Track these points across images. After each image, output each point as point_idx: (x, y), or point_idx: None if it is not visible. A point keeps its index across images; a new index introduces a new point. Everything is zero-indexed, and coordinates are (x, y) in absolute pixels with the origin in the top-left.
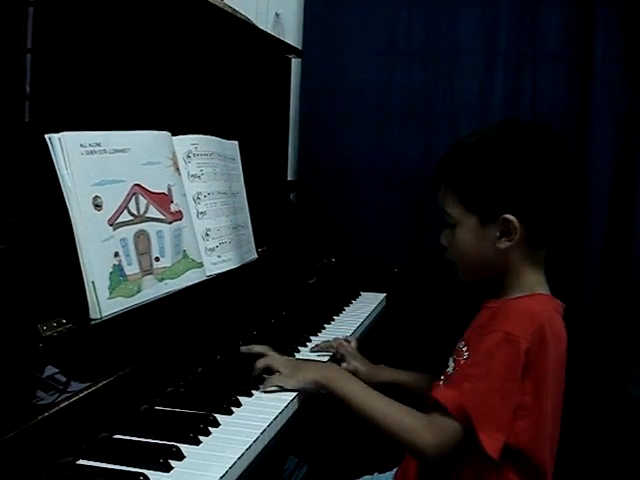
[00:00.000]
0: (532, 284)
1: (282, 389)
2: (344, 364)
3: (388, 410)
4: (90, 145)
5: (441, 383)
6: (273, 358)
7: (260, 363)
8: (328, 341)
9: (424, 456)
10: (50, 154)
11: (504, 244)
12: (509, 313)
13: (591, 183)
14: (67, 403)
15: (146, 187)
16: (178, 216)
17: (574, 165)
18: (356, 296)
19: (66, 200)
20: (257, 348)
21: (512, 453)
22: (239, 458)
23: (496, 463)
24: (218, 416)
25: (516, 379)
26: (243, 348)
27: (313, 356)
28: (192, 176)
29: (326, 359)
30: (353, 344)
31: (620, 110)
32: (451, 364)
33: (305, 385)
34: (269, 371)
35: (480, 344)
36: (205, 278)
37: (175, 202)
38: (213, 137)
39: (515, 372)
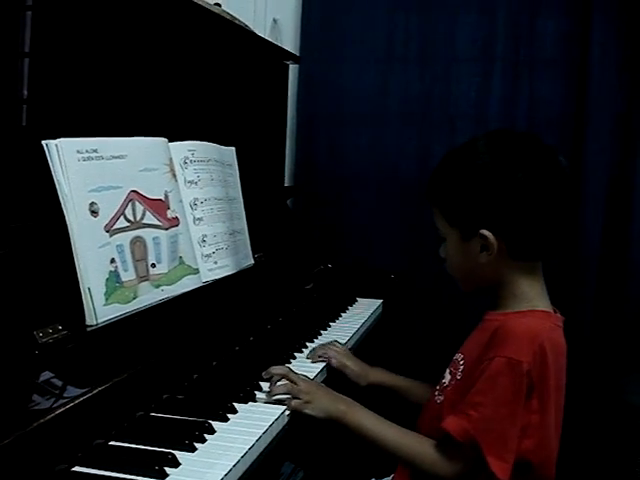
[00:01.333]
0: (530, 297)
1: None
2: (333, 360)
3: (403, 443)
4: (87, 151)
5: (436, 393)
6: (294, 387)
7: (281, 389)
8: (322, 345)
9: None
10: (47, 159)
11: (485, 258)
12: (509, 335)
13: (588, 187)
14: (63, 409)
15: (143, 193)
16: (175, 222)
17: (561, 177)
18: (353, 302)
19: (62, 206)
20: (276, 370)
21: (519, 467)
22: (235, 465)
23: None
24: (214, 423)
25: (522, 401)
26: (263, 373)
27: (310, 363)
28: (189, 182)
29: (322, 365)
30: (343, 346)
31: (617, 115)
32: (447, 375)
33: (319, 414)
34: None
35: (483, 370)
36: (201, 284)
37: (172, 208)
38: (210, 143)
39: (520, 395)
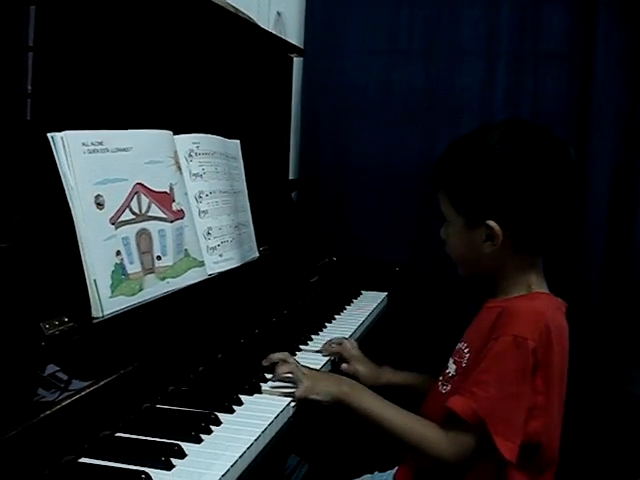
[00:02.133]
0: (530, 283)
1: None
2: (344, 365)
3: (406, 424)
4: (92, 144)
5: (440, 384)
6: (297, 368)
7: (284, 369)
8: (331, 341)
9: (446, 465)
10: (52, 152)
11: (489, 248)
12: (515, 315)
13: (591, 183)
14: (69, 401)
15: (148, 186)
16: (180, 215)
17: (571, 172)
18: (357, 295)
19: (68, 199)
20: (276, 355)
21: (528, 449)
22: (240, 456)
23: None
24: (220, 414)
25: (528, 381)
26: (263, 361)
27: (315, 356)
28: (194, 175)
29: (325, 360)
30: (354, 345)
31: (621, 109)
32: (451, 365)
33: (325, 398)
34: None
35: (489, 350)
36: (206, 277)
37: (177, 201)
38: (215, 136)
39: (526, 374)
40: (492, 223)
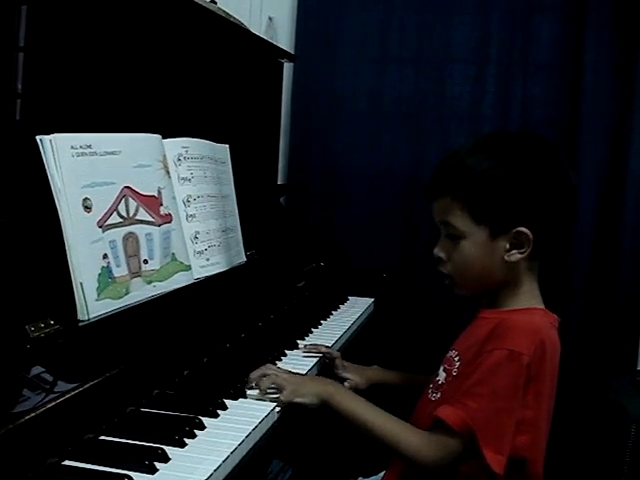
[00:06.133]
0: (529, 296)
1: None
2: (346, 383)
3: (389, 427)
4: (81, 147)
5: (430, 392)
6: (277, 377)
7: (266, 383)
8: (317, 345)
9: (425, 471)
10: (40, 154)
11: (515, 256)
12: (511, 328)
13: (580, 189)
14: (54, 404)
15: (136, 189)
16: (167, 219)
17: (572, 177)
18: (344, 300)
19: (56, 201)
20: (255, 374)
21: (513, 463)
22: (224, 461)
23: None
24: (204, 419)
25: (520, 395)
26: (246, 387)
27: (302, 360)
28: (182, 179)
29: (313, 362)
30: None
31: (609, 118)
32: (442, 373)
33: (309, 400)
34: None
35: (483, 361)
36: (193, 281)
37: (165, 205)
38: (204, 140)
39: (519, 389)
40: (524, 229)
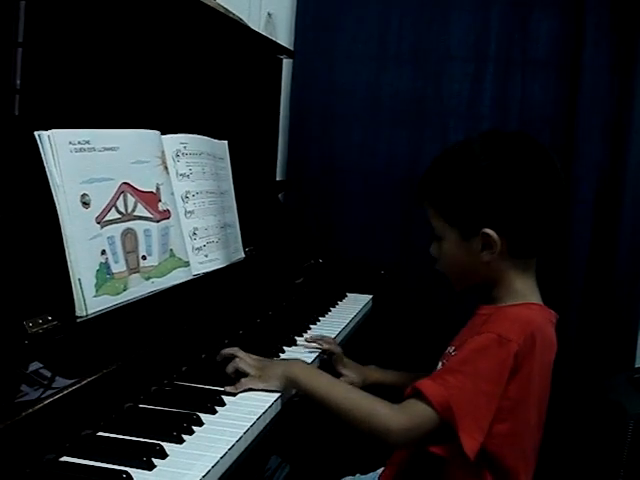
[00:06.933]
0: (525, 292)
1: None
2: (343, 378)
3: (355, 399)
4: (79, 143)
5: None
6: (241, 360)
7: (230, 368)
8: (322, 337)
9: (388, 436)
10: (39, 150)
11: (487, 257)
12: (503, 317)
13: (578, 187)
14: (51, 400)
15: (134, 185)
16: (166, 215)
17: (556, 174)
18: (342, 297)
19: (54, 197)
20: (225, 351)
21: (486, 455)
22: (222, 457)
23: (475, 467)
24: (202, 415)
25: (503, 383)
26: (217, 357)
27: (299, 355)
28: (181, 175)
29: (314, 356)
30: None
31: (608, 115)
32: (440, 368)
33: (273, 384)
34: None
35: (471, 342)
36: (192, 277)
37: (163, 201)
38: (202, 136)
39: (503, 376)
40: (489, 231)
